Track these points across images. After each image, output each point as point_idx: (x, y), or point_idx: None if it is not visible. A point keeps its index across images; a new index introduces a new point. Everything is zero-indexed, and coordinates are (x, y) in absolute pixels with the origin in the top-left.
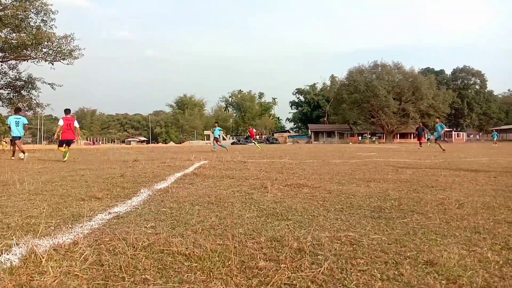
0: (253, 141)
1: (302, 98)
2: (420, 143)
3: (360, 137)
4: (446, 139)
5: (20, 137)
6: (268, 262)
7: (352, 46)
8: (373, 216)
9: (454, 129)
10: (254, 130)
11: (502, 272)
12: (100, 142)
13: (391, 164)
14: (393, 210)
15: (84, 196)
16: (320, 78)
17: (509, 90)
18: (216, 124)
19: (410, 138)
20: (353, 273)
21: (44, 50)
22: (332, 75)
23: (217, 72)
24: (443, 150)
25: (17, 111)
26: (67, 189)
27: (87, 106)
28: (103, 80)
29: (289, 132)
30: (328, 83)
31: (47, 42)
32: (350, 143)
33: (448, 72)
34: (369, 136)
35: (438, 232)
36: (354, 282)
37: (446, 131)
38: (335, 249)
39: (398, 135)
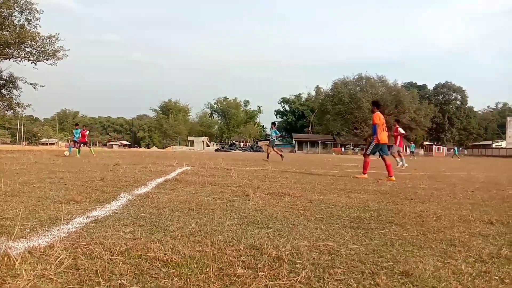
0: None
1: (287, 107)
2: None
3: (343, 148)
4: (413, 155)
5: None
6: (247, 269)
7: (337, 58)
8: (352, 226)
9: (435, 143)
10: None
11: (475, 283)
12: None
13: (371, 175)
14: (372, 221)
15: (63, 199)
16: (305, 88)
17: (488, 107)
18: (273, 125)
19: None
20: (330, 282)
21: (28, 49)
22: (317, 85)
23: (203, 78)
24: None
25: None
26: (45, 191)
27: (69, 107)
28: (86, 81)
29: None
30: (313, 93)
31: (31, 41)
32: (333, 153)
33: (431, 87)
34: (351, 147)
35: (415, 243)
36: None
37: (427, 145)
38: (314, 258)
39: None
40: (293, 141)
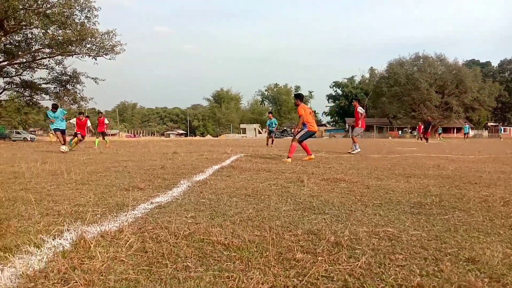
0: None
1: (339, 91)
2: (427, 138)
3: (400, 132)
4: (467, 136)
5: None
6: (306, 254)
7: (392, 37)
8: (412, 212)
9: (501, 123)
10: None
11: None
12: (140, 135)
13: (432, 159)
14: (434, 206)
15: (128, 186)
16: (358, 70)
17: None
18: (270, 115)
19: (453, 132)
20: (391, 268)
21: (88, 45)
22: (371, 67)
23: (253, 66)
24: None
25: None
26: (111, 179)
27: (128, 100)
28: (143, 74)
29: (325, 126)
30: (367, 75)
31: (91, 38)
32: (390, 137)
33: (495, 64)
34: (409, 130)
35: (481, 229)
36: (392, 277)
37: (491, 126)
38: (373, 244)
39: (440, 130)
40: (346, 126)
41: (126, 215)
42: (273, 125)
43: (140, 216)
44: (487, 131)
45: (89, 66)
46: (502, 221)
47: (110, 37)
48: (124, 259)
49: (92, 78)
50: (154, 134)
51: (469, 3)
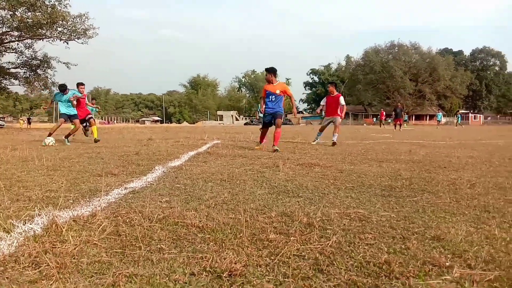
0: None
1: (316, 78)
2: (400, 125)
3: (374, 119)
4: (439, 124)
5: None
6: (278, 235)
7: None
8: (383, 194)
9: (471, 111)
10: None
11: (508, 248)
12: (115, 121)
13: (404, 145)
14: (404, 189)
15: (101, 172)
16: (335, 58)
17: None
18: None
19: (426, 119)
20: (360, 247)
21: (59, 29)
22: (348, 55)
23: (231, 52)
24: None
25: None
26: (84, 165)
27: (102, 85)
28: (117, 59)
29: (302, 113)
30: (343, 63)
31: (62, 21)
32: (365, 124)
33: (467, 52)
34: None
35: (448, 210)
36: (361, 255)
37: (463, 113)
38: (344, 224)
39: (413, 117)
40: (323, 113)
41: (99, 200)
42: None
43: (114, 201)
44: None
45: (61, 50)
46: (468, 202)
47: (82, 20)
48: (97, 243)
49: (64, 63)
50: (128, 121)
51: None
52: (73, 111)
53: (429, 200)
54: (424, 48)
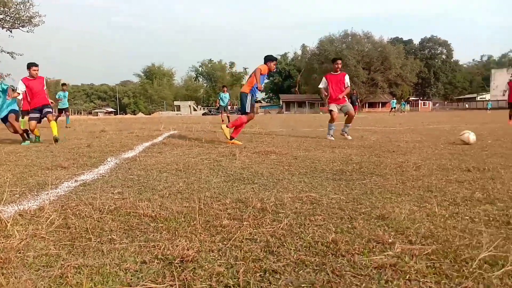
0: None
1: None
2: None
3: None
4: (394, 111)
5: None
6: (232, 220)
7: (322, 16)
8: (334, 178)
9: (421, 98)
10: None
11: (446, 223)
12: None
13: (357, 131)
14: (354, 172)
15: (50, 165)
16: (291, 47)
17: (473, 60)
18: (224, 88)
19: (378, 107)
20: (310, 228)
21: (1, 16)
22: (303, 44)
23: (186, 41)
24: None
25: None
26: (31, 159)
27: (51, 76)
28: (66, 49)
29: (260, 102)
30: (299, 52)
31: (3, 7)
32: (321, 113)
33: (416, 41)
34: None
35: (394, 191)
36: (310, 235)
37: (413, 100)
38: (296, 208)
39: (366, 105)
40: (281, 102)
41: (47, 193)
42: (226, 100)
43: (63, 194)
44: (408, 105)
45: (4, 39)
46: (413, 183)
47: (27, 7)
48: (44, 236)
49: (8, 53)
50: (80, 113)
51: None
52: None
53: (377, 182)
54: (376, 37)
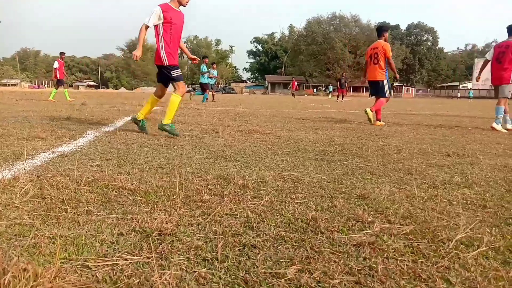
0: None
1: (260, 47)
2: (342, 95)
3: (315, 90)
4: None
5: None
6: (213, 196)
7: None
8: (316, 158)
9: (404, 84)
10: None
11: (425, 205)
12: (46, 86)
13: (341, 114)
14: (336, 153)
15: (27, 136)
16: (278, 27)
17: (458, 48)
18: (213, 65)
19: (363, 91)
20: (290, 205)
21: None
22: (291, 24)
23: None
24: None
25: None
26: (8, 129)
27: (30, 46)
28: (47, 18)
29: (245, 82)
30: (287, 33)
31: None
32: (305, 95)
33: (403, 27)
34: (324, 88)
35: (374, 173)
36: (290, 212)
37: (396, 86)
38: (277, 185)
39: (351, 89)
40: (266, 83)
41: (23, 163)
42: (214, 78)
43: (40, 165)
44: (392, 91)
45: None
46: (393, 166)
47: None
48: (18, 206)
49: None
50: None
51: None
52: None
53: (359, 164)
54: (363, 21)
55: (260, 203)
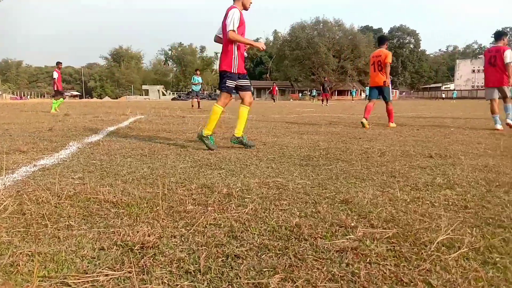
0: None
1: (245, 53)
2: (327, 100)
3: (300, 94)
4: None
5: None
6: (197, 206)
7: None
8: (301, 164)
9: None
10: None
11: (408, 208)
12: (28, 97)
13: (326, 118)
14: (321, 158)
15: (7, 149)
16: (263, 33)
17: (440, 50)
18: (197, 71)
19: (347, 95)
20: (275, 212)
21: None
22: (275, 30)
23: (156, 23)
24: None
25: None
26: None
27: (12, 57)
28: (29, 29)
29: None
30: (271, 38)
31: None
32: (291, 100)
33: (386, 30)
34: (309, 93)
35: (358, 176)
36: (274, 219)
37: None
38: (262, 193)
39: (336, 92)
40: (252, 88)
41: (2, 178)
42: (199, 84)
43: (20, 179)
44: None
45: None
46: (377, 169)
47: None
48: None
49: None
50: (44, 96)
51: None
52: None
53: (343, 168)
54: (347, 25)
55: (244, 211)
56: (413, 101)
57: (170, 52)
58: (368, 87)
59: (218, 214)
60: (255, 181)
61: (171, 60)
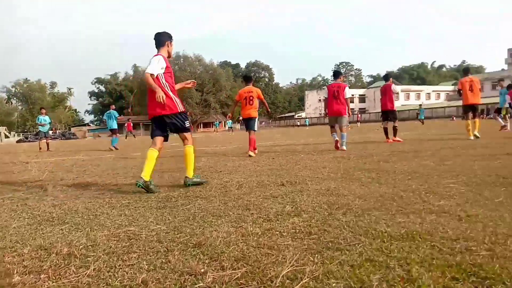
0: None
1: (102, 88)
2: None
3: None
4: (232, 130)
5: None
6: (27, 275)
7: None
8: (158, 206)
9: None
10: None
11: (259, 241)
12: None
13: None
14: (180, 198)
15: None
16: (123, 66)
17: (291, 82)
18: (42, 110)
19: (212, 127)
20: (121, 270)
21: None
22: (135, 64)
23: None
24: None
25: None
26: None
27: None
28: None
29: (89, 125)
30: (131, 72)
31: None
32: None
33: (243, 65)
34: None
35: (215, 213)
36: (119, 279)
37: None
38: (110, 247)
39: (201, 125)
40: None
41: None
42: (47, 124)
43: None
44: (239, 124)
45: None
46: (234, 203)
47: None
48: None
49: None
50: None
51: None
52: None
53: (201, 206)
54: (206, 60)
55: (85, 274)
56: (271, 129)
57: (14, 89)
58: (230, 121)
59: (52, 282)
60: (104, 233)
61: (15, 98)
